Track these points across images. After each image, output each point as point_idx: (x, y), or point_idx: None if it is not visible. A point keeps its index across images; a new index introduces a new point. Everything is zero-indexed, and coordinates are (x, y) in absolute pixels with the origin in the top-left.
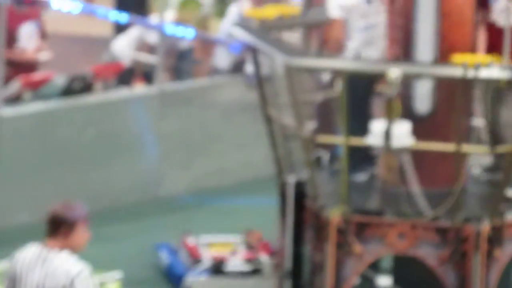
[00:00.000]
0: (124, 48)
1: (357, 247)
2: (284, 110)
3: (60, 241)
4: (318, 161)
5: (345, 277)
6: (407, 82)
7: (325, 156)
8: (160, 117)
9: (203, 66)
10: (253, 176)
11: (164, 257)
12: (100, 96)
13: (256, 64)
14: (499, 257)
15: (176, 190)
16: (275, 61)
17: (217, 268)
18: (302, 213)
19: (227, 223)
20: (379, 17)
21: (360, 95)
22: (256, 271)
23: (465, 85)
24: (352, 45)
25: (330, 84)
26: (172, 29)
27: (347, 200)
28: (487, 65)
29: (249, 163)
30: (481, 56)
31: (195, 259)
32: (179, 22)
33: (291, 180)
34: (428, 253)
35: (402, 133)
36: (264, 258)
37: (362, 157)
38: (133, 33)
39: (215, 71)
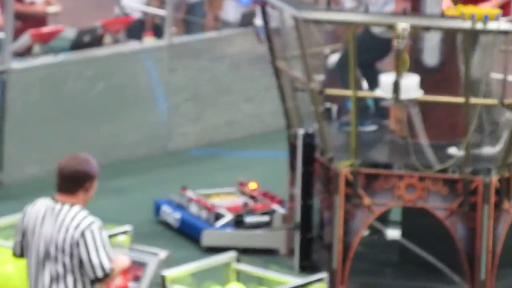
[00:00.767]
0: (134, 1)
1: (366, 199)
2: (294, 63)
3: (70, 195)
4: (327, 113)
5: (354, 229)
6: (415, 35)
7: (334, 108)
8: (169, 70)
9: (213, 19)
10: (263, 129)
11: (170, 212)
12: (110, 49)
13: (265, 17)
14: (507, 209)
15: (185, 143)
16: (284, 14)
17: (237, 221)
18: (311, 165)
19: (236, 175)
20: None
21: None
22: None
23: (473, 38)
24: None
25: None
26: None
27: (356, 153)
28: (495, 18)
29: (259, 116)
30: (486, 8)
31: (212, 212)
32: None
33: (300, 132)
34: (437, 205)
35: (411, 86)
36: (277, 208)
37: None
38: None
39: (224, 24)
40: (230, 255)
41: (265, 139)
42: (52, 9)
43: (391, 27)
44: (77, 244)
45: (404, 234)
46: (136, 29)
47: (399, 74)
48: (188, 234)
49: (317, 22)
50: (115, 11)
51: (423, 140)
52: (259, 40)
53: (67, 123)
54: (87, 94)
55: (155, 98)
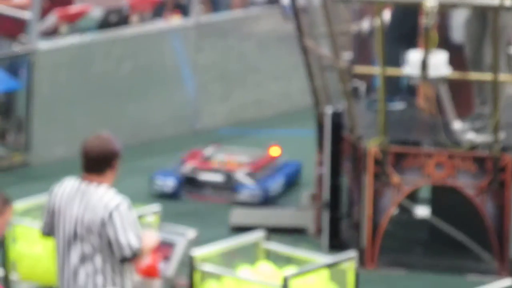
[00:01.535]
0: None
1: (395, 178)
2: (321, 41)
3: (98, 174)
4: (355, 92)
5: (383, 207)
6: (444, 12)
7: (362, 86)
8: (196, 49)
9: None
10: (291, 107)
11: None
12: (137, 29)
13: None
14: None
15: (213, 122)
16: None
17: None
18: (339, 144)
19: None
20: None
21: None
22: None
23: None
24: None
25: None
26: None
27: (384, 131)
28: None
29: (286, 94)
30: None
31: None
32: None
33: (328, 111)
34: (466, 183)
35: (439, 63)
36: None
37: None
38: None
39: (251, 2)
40: (259, 234)
41: (293, 117)
42: None
43: (419, 5)
44: (105, 224)
45: (433, 212)
46: (162, 7)
47: (427, 52)
48: None
49: (344, 0)
50: None
51: (452, 117)
52: (286, 19)
53: (94, 103)
54: (114, 74)
55: (182, 78)
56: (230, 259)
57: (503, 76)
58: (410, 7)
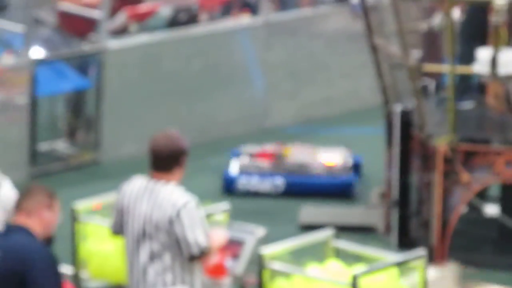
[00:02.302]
0: None
1: (465, 176)
2: (390, 39)
3: (166, 172)
4: (424, 90)
5: (452, 206)
6: None
7: (431, 84)
8: (266, 48)
9: None
10: (360, 105)
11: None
12: (206, 28)
13: None
14: None
15: (282, 120)
16: None
17: None
18: (408, 142)
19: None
20: None
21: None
22: None
23: None
24: None
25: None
26: None
27: (454, 129)
28: None
29: (355, 92)
30: None
31: None
32: None
33: (397, 109)
34: None
35: (509, 61)
36: None
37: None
38: None
39: (320, 1)
40: (328, 232)
41: (363, 115)
42: None
43: (488, 2)
44: (173, 222)
45: (503, 211)
46: (231, 5)
47: (496, 50)
48: None
49: None
50: None
51: None
52: (355, 17)
53: (164, 102)
54: (183, 73)
55: (251, 76)
56: (299, 257)
57: None
58: (481, 5)
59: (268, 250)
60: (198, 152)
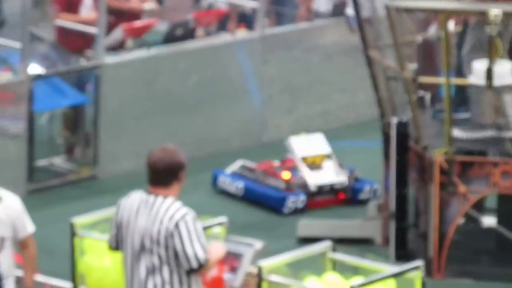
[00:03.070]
0: None
1: (461, 187)
2: (386, 52)
3: (164, 187)
4: (420, 102)
5: (449, 217)
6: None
7: (427, 96)
8: (262, 62)
9: (304, 9)
10: (357, 119)
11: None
12: (202, 42)
13: (357, 6)
14: None
15: (279, 134)
16: (376, 3)
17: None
18: (405, 154)
19: None
20: None
21: None
22: None
23: None
24: None
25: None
26: None
27: (450, 141)
28: None
29: (352, 106)
30: None
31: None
32: None
33: (394, 121)
34: None
35: (504, 72)
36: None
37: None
38: None
39: (316, 15)
40: (326, 244)
41: (359, 129)
42: (148, 6)
43: (483, 13)
44: (172, 235)
45: (500, 222)
46: (225, 21)
47: (492, 61)
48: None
49: (408, 10)
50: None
51: None
52: (351, 30)
53: (161, 117)
54: (180, 88)
55: (248, 90)
56: (297, 269)
57: None
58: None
59: (266, 263)
60: (195, 167)
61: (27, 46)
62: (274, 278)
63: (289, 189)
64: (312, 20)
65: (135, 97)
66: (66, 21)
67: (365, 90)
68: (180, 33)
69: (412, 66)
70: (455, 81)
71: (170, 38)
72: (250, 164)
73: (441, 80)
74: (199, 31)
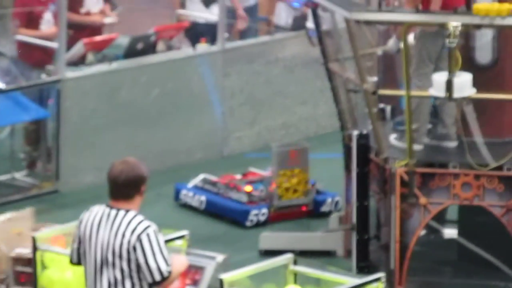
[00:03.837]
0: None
1: (422, 199)
2: (347, 64)
3: (126, 200)
4: (381, 114)
5: (411, 229)
6: (468, 33)
7: (388, 108)
8: (223, 75)
9: (266, 23)
10: (318, 131)
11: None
12: (164, 56)
13: (317, 19)
14: None
15: (241, 147)
16: (336, 16)
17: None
18: (366, 166)
19: None
20: None
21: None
22: None
23: None
24: None
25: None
26: None
27: (411, 152)
28: None
29: (313, 118)
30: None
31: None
32: None
33: (354, 133)
34: (493, 203)
35: (464, 84)
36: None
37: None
38: None
39: (277, 28)
40: (287, 257)
41: (321, 141)
42: (109, 20)
43: (442, 25)
44: (134, 248)
45: (461, 233)
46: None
47: (451, 73)
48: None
49: (368, 22)
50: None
51: (478, 138)
52: (312, 43)
53: (123, 131)
54: (142, 101)
55: (210, 103)
56: (259, 282)
57: None
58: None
59: (228, 275)
60: (157, 180)
61: None
62: None
63: (252, 202)
64: (273, 34)
65: (97, 111)
66: (27, 36)
67: (326, 102)
68: (141, 47)
69: (373, 78)
70: (416, 93)
71: (131, 51)
72: (212, 177)
73: (401, 92)
74: (160, 45)
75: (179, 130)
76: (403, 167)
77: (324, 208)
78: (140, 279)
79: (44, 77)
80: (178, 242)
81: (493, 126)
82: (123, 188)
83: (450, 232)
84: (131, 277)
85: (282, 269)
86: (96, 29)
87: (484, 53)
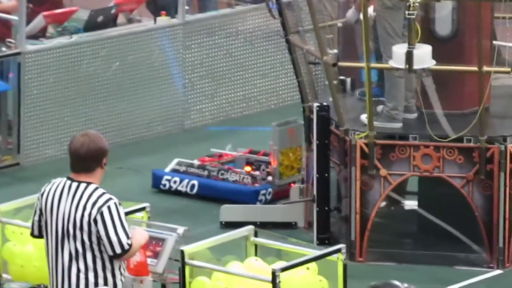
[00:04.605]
0: None
1: (382, 170)
2: (307, 37)
3: (87, 173)
4: (342, 85)
5: (371, 200)
6: (428, 5)
7: (348, 80)
8: (184, 48)
9: None
10: (278, 103)
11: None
12: (124, 29)
13: None
14: None
15: (202, 120)
16: None
17: None
18: (327, 138)
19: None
20: None
21: None
22: None
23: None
24: None
25: None
26: None
27: (371, 124)
28: None
29: (274, 91)
30: None
31: None
32: None
33: (314, 105)
34: (453, 174)
35: (423, 56)
36: None
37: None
38: None
39: (237, 1)
40: (248, 228)
41: (281, 113)
42: None
43: None
44: (95, 221)
45: (421, 204)
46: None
47: (411, 44)
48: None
49: None
50: None
51: (438, 109)
52: (272, 15)
53: (83, 103)
54: (102, 74)
55: (170, 76)
56: (220, 254)
57: (487, 68)
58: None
59: (189, 247)
60: (118, 153)
61: None
62: (197, 262)
63: (256, 182)
64: (233, 6)
65: (57, 84)
66: None
67: (287, 75)
68: (101, 20)
69: (333, 51)
70: (375, 65)
71: (91, 25)
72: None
73: (361, 64)
74: (121, 18)
75: (140, 103)
76: (363, 139)
77: None
78: (101, 252)
79: (4, 50)
80: (139, 215)
81: (453, 98)
82: (84, 161)
83: (411, 204)
84: (92, 250)
85: (243, 241)
86: (56, 3)
87: (444, 25)
